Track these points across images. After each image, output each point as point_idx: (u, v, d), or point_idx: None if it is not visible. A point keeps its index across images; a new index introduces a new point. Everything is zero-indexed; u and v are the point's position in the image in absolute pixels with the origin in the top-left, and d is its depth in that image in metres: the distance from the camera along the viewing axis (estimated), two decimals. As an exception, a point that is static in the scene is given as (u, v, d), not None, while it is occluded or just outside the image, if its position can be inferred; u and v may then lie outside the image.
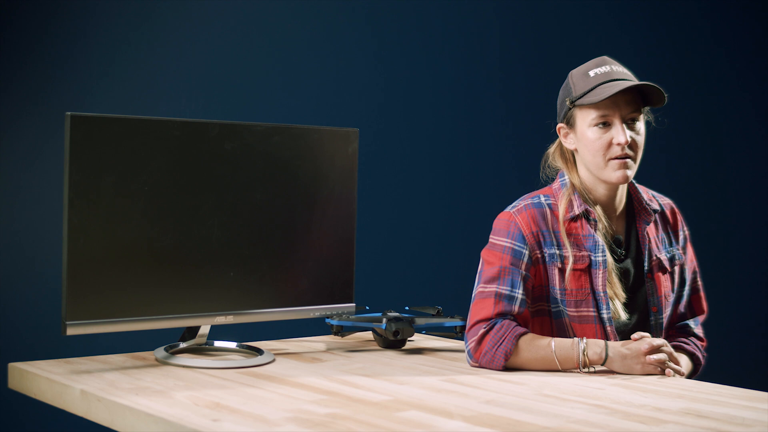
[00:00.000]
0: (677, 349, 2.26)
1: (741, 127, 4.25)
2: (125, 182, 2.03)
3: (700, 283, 2.37)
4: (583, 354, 2.08)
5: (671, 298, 2.28)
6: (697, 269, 2.36)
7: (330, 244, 2.32)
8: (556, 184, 2.27)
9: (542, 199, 2.24)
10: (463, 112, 3.88)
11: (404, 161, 3.80)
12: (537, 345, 2.11)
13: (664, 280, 2.26)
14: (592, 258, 2.19)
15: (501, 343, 2.10)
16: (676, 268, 2.30)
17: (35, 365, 2.06)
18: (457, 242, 3.80)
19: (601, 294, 2.17)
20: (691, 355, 2.29)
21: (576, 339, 2.10)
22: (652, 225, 2.28)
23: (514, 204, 2.25)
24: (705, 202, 4.27)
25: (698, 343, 2.33)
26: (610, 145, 2.16)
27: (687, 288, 2.33)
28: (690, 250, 2.35)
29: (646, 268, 2.24)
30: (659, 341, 2.09)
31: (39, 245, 3.24)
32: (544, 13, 3.98)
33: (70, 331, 1.97)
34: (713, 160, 4.26)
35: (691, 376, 2.29)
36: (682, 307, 2.32)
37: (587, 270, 2.19)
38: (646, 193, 2.32)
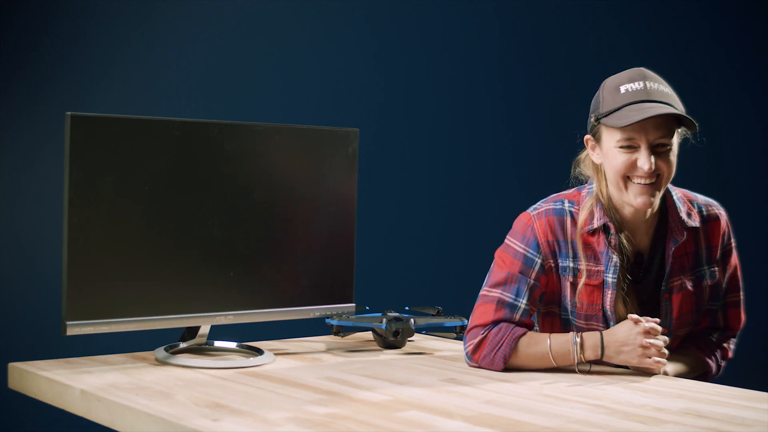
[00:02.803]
0: (689, 350, 2.22)
1: (741, 127, 4.25)
2: (125, 182, 2.03)
3: (741, 296, 2.27)
4: (580, 351, 2.07)
5: (692, 317, 2.19)
6: (740, 283, 2.26)
7: (330, 244, 2.32)
8: (584, 191, 2.18)
9: (566, 205, 2.16)
10: (463, 112, 3.88)
11: (404, 161, 3.80)
12: (534, 344, 2.10)
13: (685, 302, 2.16)
14: (605, 277, 2.13)
15: (500, 347, 2.09)
16: (707, 287, 2.19)
17: (35, 365, 2.06)
18: (457, 242, 3.80)
19: (610, 314, 2.13)
20: (702, 361, 2.22)
21: (572, 335, 2.08)
22: (686, 241, 2.15)
23: (537, 206, 2.19)
24: (705, 202, 4.26)
25: (717, 353, 2.25)
26: (633, 167, 2.04)
27: (722, 301, 2.25)
28: (733, 262, 2.24)
29: (663, 288, 2.15)
30: (656, 330, 2.04)
31: (39, 245, 3.24)
32: (544, 14, 3.98)
33: (70, 331, 1.97)
34: (713, 160, 4.25)
35: (700, 380, 2.21)
36: (713, 319, 2.26)
37: (600, 287, 2.13)
38: (686, 204, 2.19)
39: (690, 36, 4.17)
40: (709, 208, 2.23)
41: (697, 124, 2.05)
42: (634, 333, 2.04)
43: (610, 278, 2.12)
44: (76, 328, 1.98)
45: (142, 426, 1.69)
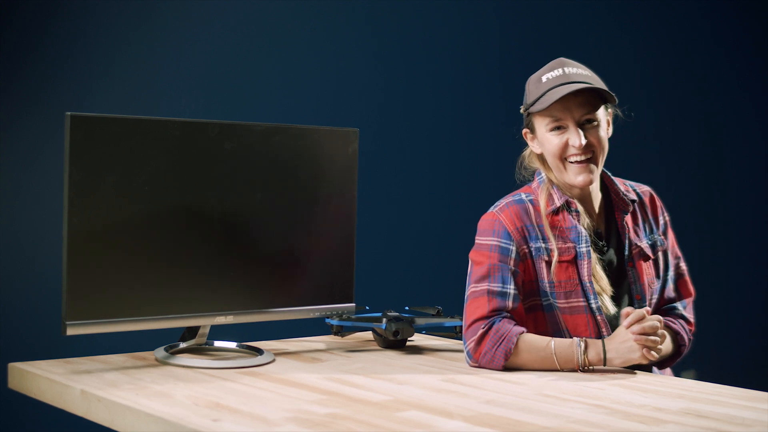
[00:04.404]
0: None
1: (741, 127, 4.25)
2: (125, 182, 2.03)
3: (684, 267, 2.37)
4: (583, 355, 2.08)
5: (656, 284, 2.29)
6: (679, 254, 2.37)
7: (330, 244, 2.32)
8: (534, 183, 2.30)
9: (523, 196, 2.27)
10: (463, 112, 3.88)
11: (404, 161, 3.80)
12: (537, 345, 2.11)
13: (647, 268, 2.27)
14: (577, 249, 2.20)
15: (501, 343, 2.10)
16: (660, 254, 2.31)
17: (35, 365, 2.06)
18: (457, 242, 3.79)
19: (588, 284, 2.18)
20: (676, 334, 2.27)
21: (575, 339, 2.10)
22: (631, 215, 2.29)
23: (495, 204, 2.28)
24: (705, 202, 4.27)
25: (685, 325, 2.32)
26: (567, 146, 2.19)
27: (671, 272, 2.33)
28: (671, 235, 2.36)
29: (626, 257, 2.25)
30: (651, 324, 2.06)
31: (39, 245, 3.24)
32: (544, 13, 3.98)
33: (70, 331, 1.97)
34: (713, 160, 4.26)
35: (675, 357, 2.28)
36: (669, 292, 2.33)
37: (573, 261, 2.20)
38: (622, 184, 2.33)
39: (690, 36, 4.17)
40: (641, 187, 2.38)
41: (615, 96, 2.18)
42: (629, 332, 2.07)
43: (584, 249, 2.20)
44: (76, 328, 1.98)
45: (142, 426, 1.69)
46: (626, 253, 2.25)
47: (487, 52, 3.90)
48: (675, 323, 2.29)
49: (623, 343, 2.07)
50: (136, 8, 3.36)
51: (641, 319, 2.07)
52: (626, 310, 2.10)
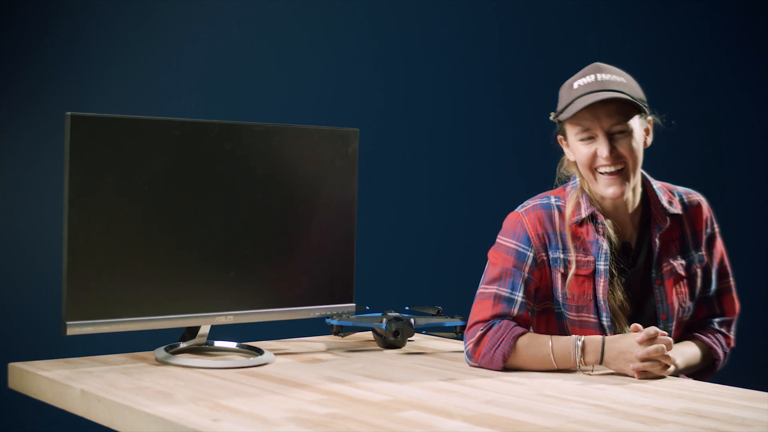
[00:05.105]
0: (693, 339, 2.22)
1: (741, 127, 4.25)
2: (125, 182, 2.03)
3: (731, 282, 2.28)
4: (580, 357, 2.07)
5: (689, 303, 2.21)
6: (728, 269, 2.28)
7: (330, 244, 2.32)
8: (568, 186, 2.23)
9: (552, 200, 2.21)
10: (463, 113, 3.88)
11: (404, 161, 3.80)
12: (535, 345, 2.10)
13: (679, 287, 2.19)
14: (596, 265, 2.15)
15: (499, 345, 2.09)
16: (698, 271, 2.22)
17: (35, 365, 2.06)
18: (457, 242, 3.80)
19: (602, 303, 2.15)
20: (709, 348, 2.22)
21: (573, 337, 2.09)
22: (671, 228, 2.20)
23: (523, 204, 2.23)
24: (705, 202, 4.26)
25: (722, 340, 2.26)
26: (596, 157, 2.11)
27: (714, 288, 2.26)
28: (719, 248, 2.26)
29: (653, 275, 2.19)
30: (659, 347, 2.02)
31: (39, 245, 3.24)
32: (544, 13, 3.98)
33: (70, 331, 1.97)
34: (713, 160, 4.25)
35: (710, 371, 2.24)
36: (710, 308, 2.26)
37: (591, 276, 2.16)
38: (666, 193, 2.24)
39: (690, 36, 4.17)
40: (690, 196, 2.28)
41: (645, 108, 2.11)
42: (636, 345, 2.03)
43: (602, 266, 2.15)
44: (76, 328, 1.98)
45: (142, 426, 1.69)
46: (654, 271, 2.18)
47: (487, 52, 3.90)
48: (709, 337, 2.23)
49: (623, 354, 2.03)
50: (136, 8, 3.36)
51: (653, 338, 2.02)
52: (635, 326, 2.05)
